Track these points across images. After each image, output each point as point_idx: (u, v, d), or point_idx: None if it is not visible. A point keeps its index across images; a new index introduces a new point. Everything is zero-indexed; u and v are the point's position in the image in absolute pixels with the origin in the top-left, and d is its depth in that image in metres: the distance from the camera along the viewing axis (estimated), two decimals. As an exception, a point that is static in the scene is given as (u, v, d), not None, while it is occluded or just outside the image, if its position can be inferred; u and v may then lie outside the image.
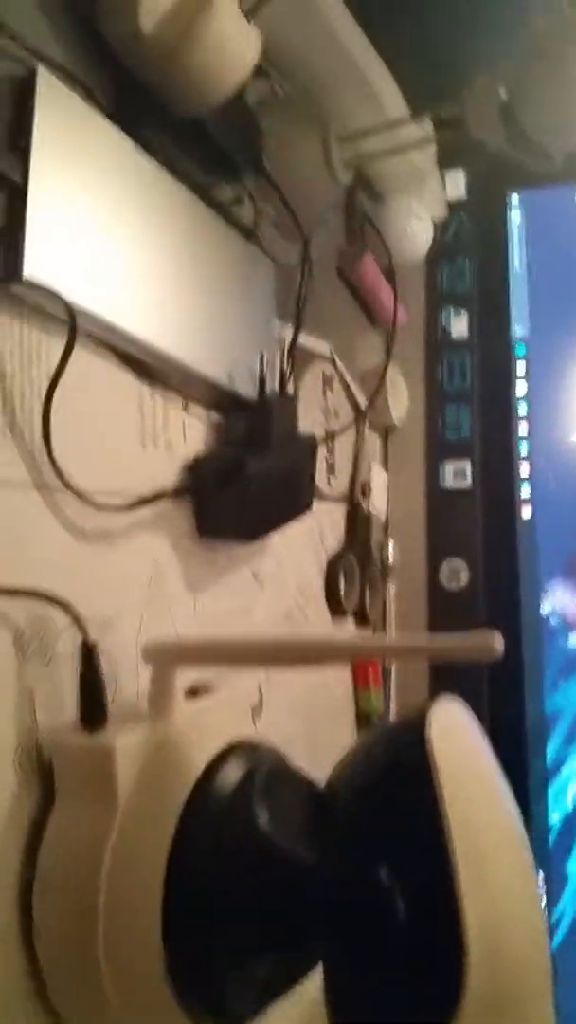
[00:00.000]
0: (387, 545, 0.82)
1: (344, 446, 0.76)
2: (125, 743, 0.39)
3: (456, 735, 0.36)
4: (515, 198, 0.90)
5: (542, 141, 0.56)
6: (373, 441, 0.84)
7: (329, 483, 0.72)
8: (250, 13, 0.49)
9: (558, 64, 0.53)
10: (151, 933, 0.35)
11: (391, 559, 0.82)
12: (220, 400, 0.54)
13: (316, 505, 0.70)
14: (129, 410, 0.47)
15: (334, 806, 0.37)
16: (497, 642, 0.34)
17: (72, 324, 0.40)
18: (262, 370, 0.54)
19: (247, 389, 0.55)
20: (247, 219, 0.58)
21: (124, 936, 0.36)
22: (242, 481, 0.50)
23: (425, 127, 0.77)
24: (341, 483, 0.75)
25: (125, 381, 0.47)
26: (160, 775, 0.39)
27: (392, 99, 0.69)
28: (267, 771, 0.41)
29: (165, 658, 0.42)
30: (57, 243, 0.40)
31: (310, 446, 0.59)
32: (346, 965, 0.33)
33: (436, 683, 0.76)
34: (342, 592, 0.70)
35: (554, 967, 0.74)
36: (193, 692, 0.46)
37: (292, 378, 0.66)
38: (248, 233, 0.58)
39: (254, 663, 0.43)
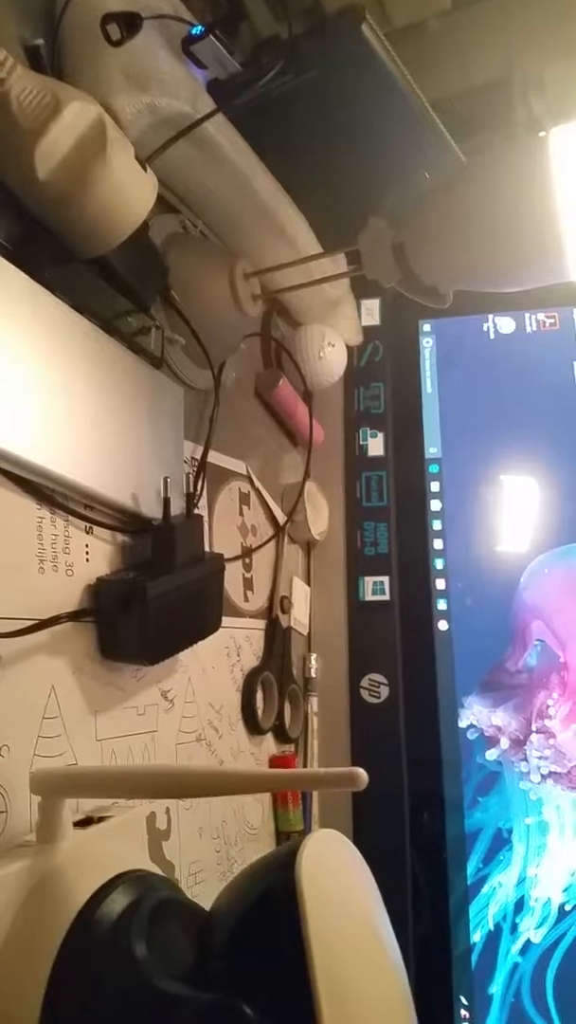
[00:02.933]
0: (309, 659, 0.82)
1: (263, 561, 0.78)
2: (6, 875, 0.38)
3: (328, 866, 0.36)
4: (427, 326, 0.96)
5: (433, 283, 0.61)
6: (295, 555, 0.86)
7: (246, 598, 0.73)
8: (151, 159, 0.53)
9: (445, 214, 0.58)
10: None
11: (313, 673, 0.82)
12: (126, 523, 0.56)
13: (232, 621, 0.71)
14: (26, 534, 0.48)
15: (211, 934, 0.36)
16: (362, 776, 0.34)
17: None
18: (166, 492, 0.56)
19: (153, 511, 0.57)
20: (156, 348, 0.61)
21: None
22: (143, 605, 0.51)
23: (337, 262, 0.82)
24: (260, 598, 0.76)
25: (23, 506, 0.48)
26: (40, 908, 0.38)
27: (304, 239, 0.74)
28: (154, 901, 0.40)
29: (52, 788, 0.41)
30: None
31: (217, 566, 0.60)
32: None
33: (357, 798, 0.75)
34: (260, 709, 0.70)
35: None
36: (87, 820, 0.46)
37: (205, 497, 0.68)
38: (156, 362, 0.61)
39: (139, 795, 0.43)
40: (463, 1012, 0.74)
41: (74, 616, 0.49)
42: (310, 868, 0.34)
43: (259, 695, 0.71)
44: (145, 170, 0.51)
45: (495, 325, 0.95)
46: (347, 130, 0.65)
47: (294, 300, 0.85)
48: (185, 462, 0.63)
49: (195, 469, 0.64)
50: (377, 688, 0.81)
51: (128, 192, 0.49)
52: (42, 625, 0.47)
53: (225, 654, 0.69)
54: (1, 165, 0.46)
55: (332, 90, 0.61)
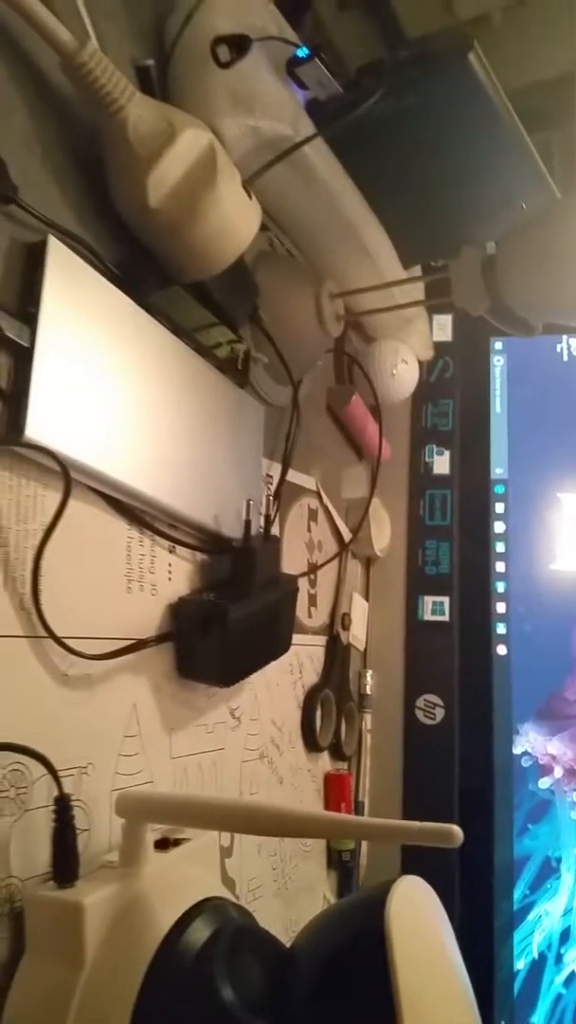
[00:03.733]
0: (365, 675, 0.83)
1: (326, 576, 0.78)
2: (94, 900, 0.39)
3: (415, 915, 0.36)
4: (498, 344, 0.95)
5: (521, 310, 0.60)
6: (355, 570, 0.86)
7: (310, 615, 0.74)
8: (249, 182, 0.53)
9: (541, 246, 0.58)
10: None
11: (368, 689, 0.82)
12: (207, 543, 0.56)
13: (297, 638, 0.71)
14: (117, 554, 0.49)
15: (294, 973, 0.37)
16: (458, 833, 0.35)
17: (67, 484, 0.42)
18: (248, 515, 0.56)
19: (233, 531, 0.57)
20: (241, 367, 0.61)
21: None
22: (223, 628, 0.52)
23: (417, 287, 0.82)
24: (322, 614, 0.76)
25: (115, 526, 0.49)
26: (127, 933, 0.39)
27: (387, 259, 0.74)
28: (232, 931, 0.41)
29: (136, 814, 0.42)
30: (59, 404, 0.42)
31: (291, 589, 0.61)
32: None
33: (407, 804, 0.75)
34: (318, 727, 0.71)
35: None
36: (164, 841, 0.46)
37: (278, 514, 0.68)
38: (241, 380, 0.61)
39: (218, 827, 0.44)
40: (501, 1039, 0.75)
41: (160, 639, 0.50)
42: (399, 914, 0.35)
43: (318, 713, 0.72)
44: (250, 197, 0.51)
45: (569, 347, 0.94)
46: (443, 157, 0.64)
47: (369, 316, 0.85)
48: (268, 496, 0.64)
49: (274, 489, 0.64)
50: (432, 709, 0.81)
51: (234, 220, 0.49)
52: (129, 649, 0.47)
53: (289, 671, 0.69)
54: (114, 190, 0.47)
55: (432, 117, 0.60)
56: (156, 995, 0.37)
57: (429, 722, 0.80)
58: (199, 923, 0.40)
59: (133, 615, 0.50)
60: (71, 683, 0.44)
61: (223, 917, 0.41)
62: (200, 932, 0.40)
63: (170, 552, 0.54)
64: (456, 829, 0.34)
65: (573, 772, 0.78)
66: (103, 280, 0.46)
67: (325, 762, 0.74)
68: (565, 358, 0.94)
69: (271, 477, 0.67)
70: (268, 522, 0.59)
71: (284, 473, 0.66)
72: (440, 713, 0.81)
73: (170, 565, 0.54)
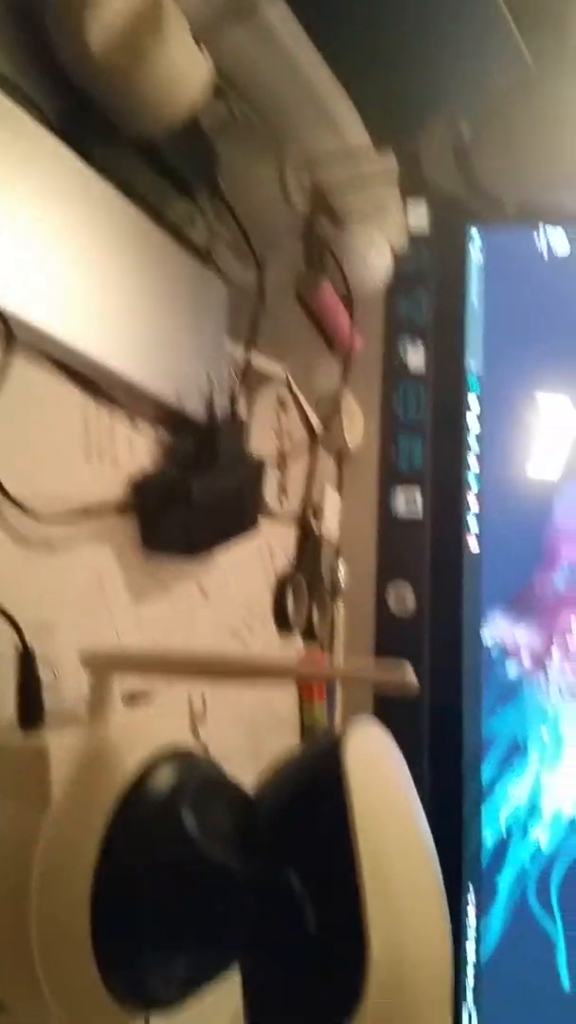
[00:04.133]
0: (338, 567, 0.83)
1: (297, 468, 0.78)
2: (58, 744, 0.40)
3: (371, 755, 0.37)
4: (475, 233, 0.93)
5: (495, 189, 0.59)
6: (327, 465, 0.86)
7: (281, 503, 0.74)
8: (201, 38, 0.51)
9: (515, 120, 0.56)
10: (80, 927, 0.36)
11: (341, 581, 0.83)
12: (168, 418, 0.56)
13: (266, 525, 0.71)
14: (73, 423, 0.48)
15: (257, 815, 0.38)
16: (410, 674, 0.35)
17: (8, 335, 0.41)
18: (210, 389, 0.56)
19: (196, 409, 0.56)
20: (201, 240, 0.60)
21: (55, 928, 0.37)
22: (186, 501, 0.51)
23: (387, 159, 0.80)
24: (293, 504, 0.76)
25: (70, 395, 0.48)
26: (93, 777, 0.40)
27: (352, 128, 0.72)
28: (200, 778, 0.42)
29: (102, 665, 0.43)
30: (7, 259, 0.41)
31: (257, 468, 0.60)
32: (259, 966, 0.34)
33: (380, 700, 0.77)
34: (290, 610, 0.71)
35: (481, 980, 0.75)
36: (132, 697, 0.47)
37: (245, 399, 0.67)
38: (202, 255, 0.60)
39: (185, 675, 0.44)
40: (470, 904, 0.78)
41: (120, 508, 0.50)
42: (355, 752, 0.36)
43: (290, 596, 0.72)
44: (201, 50, 0.49)
45: (549, 245, 0.92)
46: (413, 27, 0.61)
47: (341, 198, 0.82)
48: (231, 371, 0.63)
49: (239, 370, 0.63)
50: (403, 599, 0.82)
51: (182, 70, 0.47)
52: (90, 513, 0.47)
53: (258, 555, 0.70)
54: (54, 36, 0.45)
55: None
56: (123, 832, 0.38)
57: (400, 611, 0.81)
58: (167, 766, 0.41)
59: (93, 485, 0.49)
60: (31, 546, 0.44)
61: (192, 763, 0.42)
62: (167, 774, 0.40)
63: (131, 427, 0.53)
64: (409, 673, 0.35)
65: (540, 659, 0.79)
66: (44, 131, 0.44)
67: (298, 644, 0.75)
68: (544, 249, 0.92)
69: (236, 360, 0.66)
70: (233, 399, 0.59)
71: (249, 354, 0.64)
72: (411, 603, 0.81)
73: (131, 440, 0.53)
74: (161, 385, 0.54)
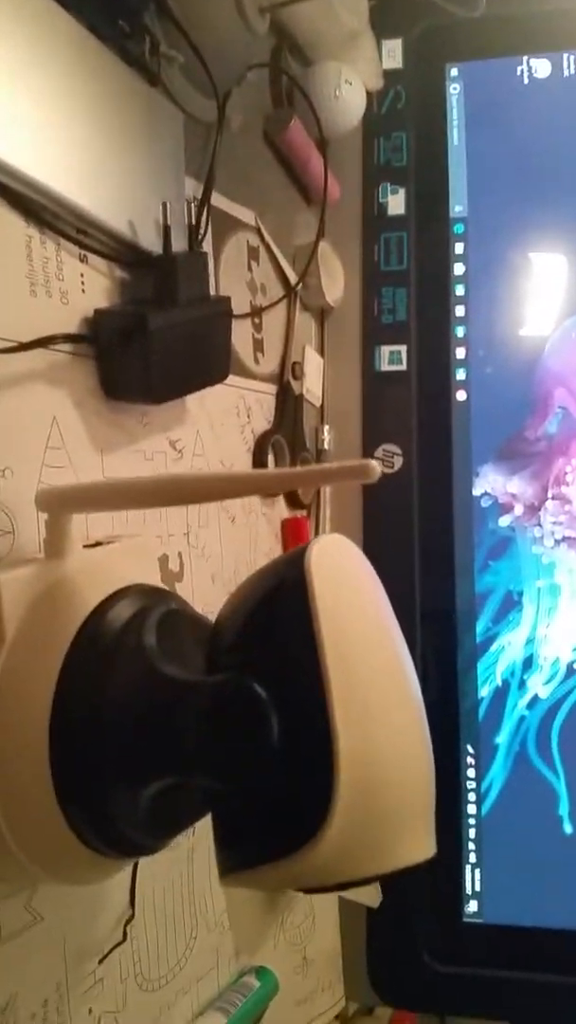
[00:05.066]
0: (322, 430, 0.80)
1: (274, 325, 0.74)
2: (11, 577, 0.38)
3: (338, 561, 0.35)
4: (454, 70, 0.87)
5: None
6: (308, 325, 0.82)
7: (257, 360, 0.71)
8: None
9: None
10: (38, 762, 0.35)
11: (326, 444, 0.80)
12: (123, 254, 0.52)
13: (242, 382, 0.68)
14: (14, 253, 0.45)
15: (219, 639, 0.36)
16: (374, 466, 0.33)
17: None
18: (165, 220, 0.52)
19: (152, 244, 0.53)
20: (151, 64, 0.55)
21: (12, 767, 0.35)
22: (144, 338, 0.48)
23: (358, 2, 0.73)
24: (270, 362, 0.73)
25: (9, 222, 0.45)
26: (50, 611, 0.38)
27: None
28: (164, 611, 0.40)
29: (58, 503, 0.40)
30: None
31: (223, 308, 0.57)
32: (225, 782, 0.33)
33: (368, 551, 0.75)
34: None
35: (482, 834, 0.76)
36: (96, 544, 0.45)
37: (211, 244, 0.63)
38: (151, 78, 0.55)
39: (144, 504, 0.42)
40: (469, 759, 0.78)
41: (72, 339, 0.47)
42: (320, 558, 0.34)
43: (270, 457, 0.70)
44: None
45: (530, 68, 0.86)
46: None
47: (308, 33, 0.76)
48: (189, 201, 0.58)
49: (199, 202, 0.59)
50: (391, 458, 0.79)
51: None
52: (40, 343, 0.44)
53: (235, 413, 0.67)
54: None
55: None
56: (82, 661, 0.36)
57: (388, 470, 0.79)
58: (128, 600, 0.39)
59: (41, 321, 0.46)
60: (-26, 382, 0.42)
61: (155, 597, 0.41)
62: (129, 607, 0.39)
63: (81, 261, 0.50)
64: (371, 462, 0.32)
65: (533, 509, 0.77)
66: None
67: (282, 509, 0.73)
68: (526, 80, 0.85)
69: (199, 198, 0.61)
70: (192, 233, 0.55)
71: (208, 186, 0.60)
72: (399, 461, 0.79)
73: (82, 276, 0.50)
74: (111, 214, 0.50)
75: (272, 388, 0.73)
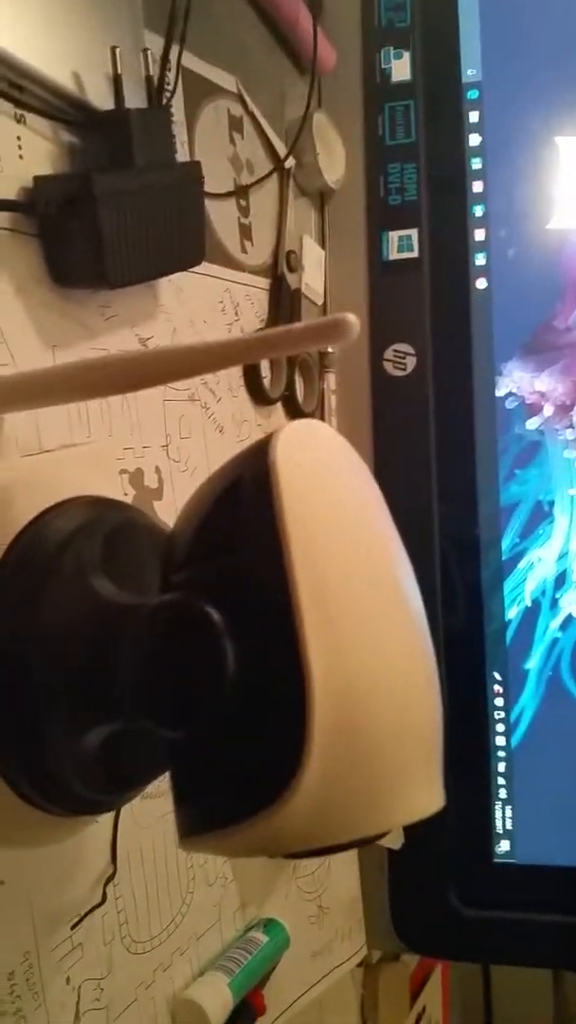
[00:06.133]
0: (325, 331, 0.72)
1: (264, 210, 0.65)
2: None
3: (312, 454, 0.28)
4: None
5: None
6: (306, 211, 0.73)
7: (244, 249, 0.62)
8: None
9: None
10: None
11: (330, 347, 0.72)
12: (68, 113, 0.44)
13: (227, 274, 0.60)
14: None
15: (173, 544, 0.29)
16: (350, 320, 0.25)
17: None
18: (116, 69, 0.44)
19: (104, 101, 0.44)
20: None
21: None
22: (91, 202, 0.40)
23: None
24: (261, 252, 0.65)
25: None
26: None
27: None
28: (114, 524, 0.33)
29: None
30: None
31: (192, 175, 0.49)
32: (180, 728, 0.27)
33: (379, 477, 0.68)
34: (265, 377, 0.62)
35: (512, 768, 0.70)
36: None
37: (183, 110, 0.55)
38: None
39: (94, 393, 0.35)
40: (496, 688, 0.72)
41: (5, 207, 0.39)
42: (288, 450, 0.26)
43: (265, 361, 0.62)
44: None
45: None
46: None
47: None
48: (146, 50, 0.49)
49: (162, 54, 0.50)
50: (403, 359, 0.71)
51: None
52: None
53: (220, 310, 0.59)
54: None
55: None
56: (8, 588, 0.30)
57: (399, 373, 0.71)
58: (71, 513, 0.33)
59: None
60: None
61: (106, 509, 0.34)
62: (71, 521, 0.32)
63: (17, 122, 0.42)
64: (348, 316, 0.25)
65: (565, 408, 0.69)
66: None
67: (280, 418, 0.66)
68: None
69: (165, 58, 0.52)
70: (152, 85, 0.46)
71: (170, 35, 0.51)
72: (412, 362, 0.71)
73: (19, 139, 0.42)
74: (52, 65, 0.42)
75: (264, 282, 0.65)
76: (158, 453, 0.51)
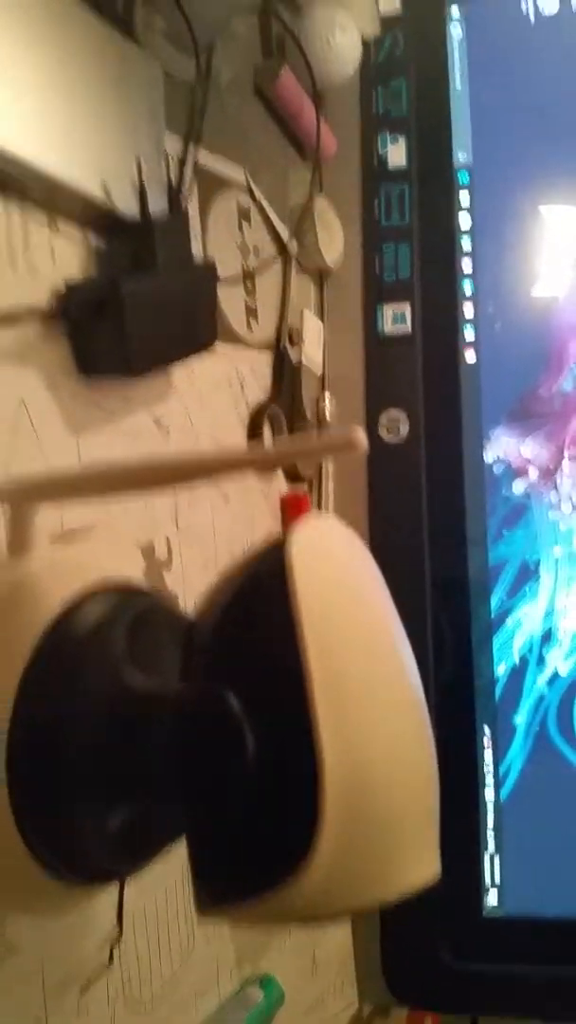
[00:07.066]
0: (323, 399, 0.77)
1: (268, 290, 0.70)
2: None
3: (325, 552, 0.31)
4: (455, 10, 0.81)
5: None
6: (307, 287, 0.77)
7: (249, 327, 0.67)
8: None
9: None
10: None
11: (327, 413, 0.76)
12: (98, 219, 0.48)
13: (234, 351, 0.64)
14: (-26, 222, 0.41)
15: (194, 632, 0.33)
16: (359, 435, 0.29)
17: None
18: (141, 179, 0.48)
19: (130, 207, 0.49)
20: (126, 14, 0.50)
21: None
22: (118, 304, 0.44)
23: None
24: (265, 329, 0.69)
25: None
26: (11, 616, 0.35)
27: None
28: (138, 611, 0.37)
29: (20, 493, 0.37)
30: None
31: (207, 272, 0.53)
32: (199, 806, 0.30)
33: (375, 533, 0.72)
34: (267, 447, 0.65)
35: (501, 821, 0.73)
36: (68, 535, 0.42)
37: (196, 206, 0.59)
38: (128, 29, 0.50)
39: (117, 490, 0.39)
40: (486, 741, 0.75)
41: (46, 319, 0.43)
42: (303, 549, 0.30)
43: (267, 430, 0.66)
44: None
45: (536, 5, 0.80)
46: None
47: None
48: (167, 156, 0.54)
49: (186, 176, 0.55)
50: (396, 425, 0.75)
51: None
52: (6, 322, 0.41)
53: (227, 384, 0.63)
54: None
55: None
56: (45, 672, 0.33)
57: (393, 439, 0.75)
58: (96, 602, 0.36)
59: (5, 298, 0.43)
60: None
61: (128, 595, 0.37)
62: (98, 608, 0.36)
63: (51, 229, 0.46)
64: (355, 433, 0.28)
65: (549, 472, 0.73)
66: None
67: (280, 484, 0.69)
68: (532, 19, 0.80)
69: (183, 162, 0.57)
70: (173, 193, 0.51)
71: (190, 140, 0.56)
72: (404, 429, 0.75)
73: (52, 246, 0.46)
74: (84, 176, 0.46)
75: (268, 356, 0.69)
76: (168, 525, 0.55)
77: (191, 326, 0.52)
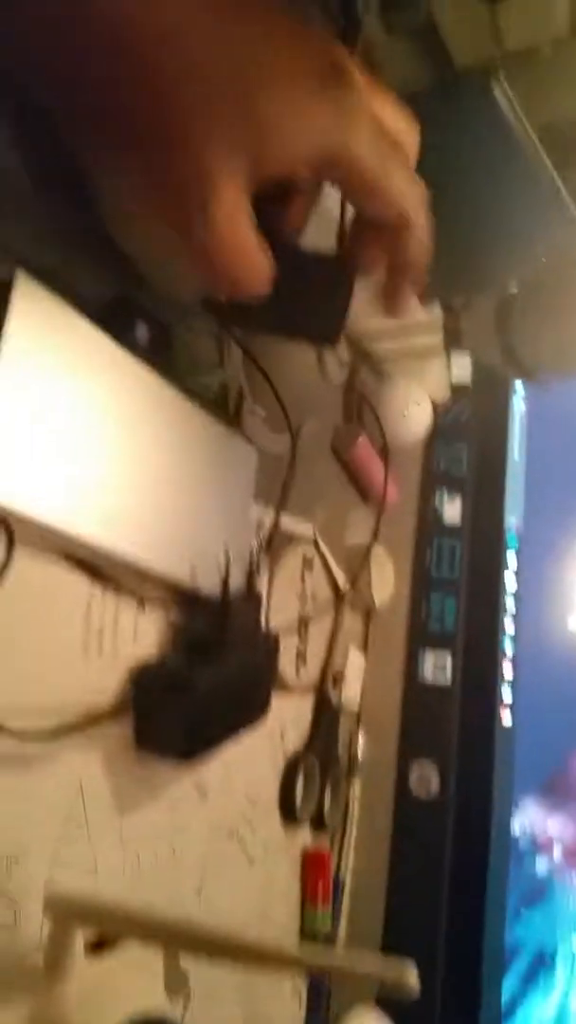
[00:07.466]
0: (357, 739, 0.77)
1: (319, 630, 0.73)
2: (7, 1012, 0.34)
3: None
4: (521, 386, 0.90)
5: (535, 368, 0.55)
6: (353, 624, 0.80)
7: (298, 673, 0.69)
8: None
9: (557, 300, 0.53)
10: None
11: (359, 755, 0.77)
12: (180, 598, 0.51)
13: (281, 700, 0.66)
14: (75, 617, 0.44)
15: None
16: (411, 975, 0.29)
17: (9, 540, 0.37)
18: (227, 570, 0.52)
19: (212, 585, 0.52)
20: (233, 409, 0.57)
21: None
22: (189, 702, 0.47)
23: (432, 313, 0.77)
24: (311, 672, 0.71)
25: (74, 585, 0.44)
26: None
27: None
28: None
29: (66, 915, 0.37)
30: (9, 454, 0.38)
31: (271, 648, 0.56)
32: None
33: (391, 899, 0.70)
34: (299, 799, 0.65)
35: None
36: (96, 946, 0.41)
37: (268, 564, 0.63)
38: (231, 419, 0.56)
39: (157, 942, 0.39)
40: None
41: (115, 713, 0.45)
42: None
43: (299, 782, 0.66)
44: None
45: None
46: (463, 192, 0.59)
47: (383, 348, 0.80)
48: (252, 552, 0.58)
49: (265, 539, 0.59)
50: (427, 780, 0.75)
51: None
52: (79, 727, 0.43)
53: (269, 738, 0.64)
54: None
55: (452, 150, 0.55)
56: None
57: (422, 794, 0.75)
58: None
59: (88, 684, 0.45)
60: (6, 765, 0.40)
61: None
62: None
63: (138, 608, 0.49)
64: (411, 969, 0.29)
65: (573, 854, 0.72)
66: (75, 315, 0.42)
67: (305, 835, 0.68)
68: (589, 404, 0.88)
69: (262, 523, 0.62)
70: (251, 576, 0.54)
71: (276, 524, 0.61)
72: (435, 784, 0.75)
73: (136, 626, 0.49)
74: (176, 565, 0.49)
75: (309, 699, 0.71)
76: (191, 901, 0.54)
77: (250, 702, 0.54)
